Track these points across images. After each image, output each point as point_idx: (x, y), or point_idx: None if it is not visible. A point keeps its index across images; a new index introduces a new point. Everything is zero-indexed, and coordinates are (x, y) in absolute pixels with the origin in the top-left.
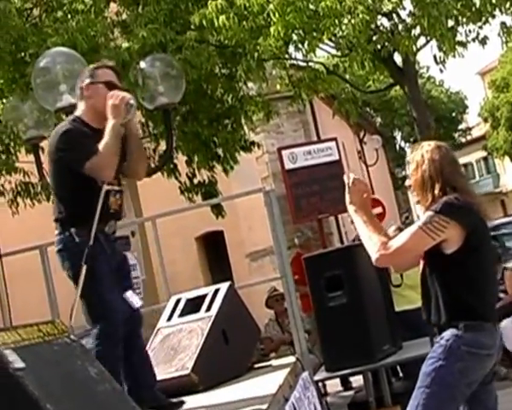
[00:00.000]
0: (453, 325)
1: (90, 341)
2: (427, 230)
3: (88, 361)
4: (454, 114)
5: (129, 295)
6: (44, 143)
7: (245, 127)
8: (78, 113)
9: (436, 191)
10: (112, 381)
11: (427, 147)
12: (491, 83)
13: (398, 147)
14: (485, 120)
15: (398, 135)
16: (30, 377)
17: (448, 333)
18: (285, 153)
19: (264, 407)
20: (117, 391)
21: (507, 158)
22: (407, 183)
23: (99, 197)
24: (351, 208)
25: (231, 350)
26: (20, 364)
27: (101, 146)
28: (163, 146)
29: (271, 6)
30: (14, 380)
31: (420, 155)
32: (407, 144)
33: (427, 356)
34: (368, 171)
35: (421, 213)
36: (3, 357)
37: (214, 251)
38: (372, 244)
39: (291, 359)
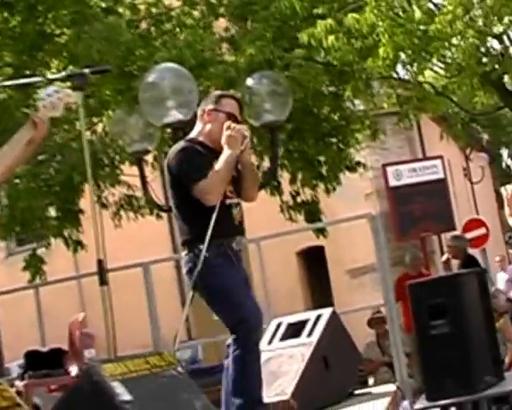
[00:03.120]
0: None
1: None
2: None
3: (194, 394)
4: None
5: None
6: (149, 157)
7: (351, 146)
8: (193, 134)
9: None
10: None
11: None
12: None
13: (504, 165)
14: None
15: (504, 152)
16: (136, 409)
17: None
18: (390, 170)
19: None
20: None
21: None
22: None
23: (221, 212)
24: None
25: (331, 377)
26: (127, 396)
27: (212, 172)
28: (266, 162)
29: (381, 27)
30: None
31: None
32: None
33: None
34: (472, 189)
35: None
36: (111, 389)
37: (315, 267)
38: None
39: (391, 387)
